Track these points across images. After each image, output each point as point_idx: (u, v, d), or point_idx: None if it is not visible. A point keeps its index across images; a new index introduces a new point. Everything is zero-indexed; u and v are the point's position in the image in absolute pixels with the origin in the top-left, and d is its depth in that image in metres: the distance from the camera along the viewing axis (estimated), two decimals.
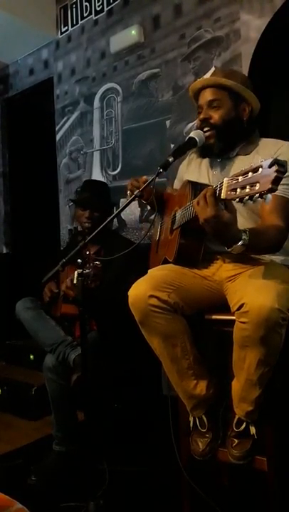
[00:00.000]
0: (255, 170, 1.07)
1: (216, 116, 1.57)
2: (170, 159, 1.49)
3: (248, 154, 1.57)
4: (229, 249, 1.27)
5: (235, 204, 1.22)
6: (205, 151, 1.63)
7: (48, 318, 2.20)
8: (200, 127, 1.60)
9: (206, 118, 1.58)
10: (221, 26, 2.46)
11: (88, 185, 2.49)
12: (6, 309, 3.47)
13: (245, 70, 2.34)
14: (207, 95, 1.59)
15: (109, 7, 3.07)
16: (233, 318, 1.31)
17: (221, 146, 1.58)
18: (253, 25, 2.32)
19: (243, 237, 1.23)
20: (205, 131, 1.58)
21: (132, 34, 2.87)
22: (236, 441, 1.41)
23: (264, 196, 1.05)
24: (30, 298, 2.31)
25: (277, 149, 1.51)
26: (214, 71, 1.70)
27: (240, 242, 1.24)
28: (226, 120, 1.56)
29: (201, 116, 1.60)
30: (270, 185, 1.02)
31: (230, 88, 1.56)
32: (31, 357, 3.12)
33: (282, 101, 2.38)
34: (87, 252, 2.30)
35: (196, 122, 1.66)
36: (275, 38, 2.27)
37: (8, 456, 2.20)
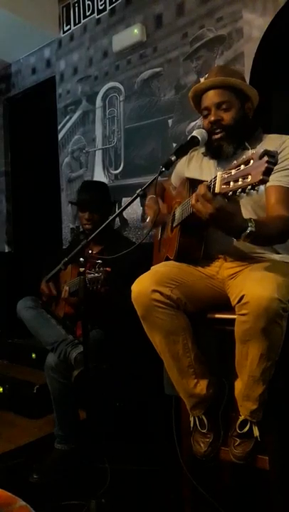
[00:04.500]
0: (246, 162, 1.06)
1: (227, 117, 1.55)
2: (172, 158, 1.48)
3: (254, 149, 1.56)
4: (238, 239, 1.26)
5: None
6: (216, 154, 1.61)
7: (49, 317, 2.22)
8: (210, 129, 1.57)
9: (217, 120, 1.55)
10: (223, 25, 2.45)
11: (86, 186, 2.49)
12: (7, 308, 3.48)
13: (247, 68, 2.33)
14: (214, 97, 1.56)
15: (112, 6, 3.07)
16: (235, 317, 1.31)
17: (233, 149, 1.56)
18: (255, 24, 2.32)
19: (249, 225, 1.22)
20: (216, 133, 1.56)
21: (134, 33, 2.86)
22: (238, 440, 1.41)
23: (256, 188, 1.04)
24: (32, 297, 2.32)
25: (282, 143, 1.51)
26: (211, 71, 1.67)
27: (247, 230, 1.22)
28: (236, 120, 1.55)
29: (212, 118, 1.56)
30: (261, 177, 1.01)
31: (237, 88, 1.55)
32: (33, 355, 3.13)
33: (285, 99, 2.37)
34: (90, 252, 2.31)
35: (200, 121, 1.64)
36: (277, 36, 2.26)
37: (10, 454, 2.21)
